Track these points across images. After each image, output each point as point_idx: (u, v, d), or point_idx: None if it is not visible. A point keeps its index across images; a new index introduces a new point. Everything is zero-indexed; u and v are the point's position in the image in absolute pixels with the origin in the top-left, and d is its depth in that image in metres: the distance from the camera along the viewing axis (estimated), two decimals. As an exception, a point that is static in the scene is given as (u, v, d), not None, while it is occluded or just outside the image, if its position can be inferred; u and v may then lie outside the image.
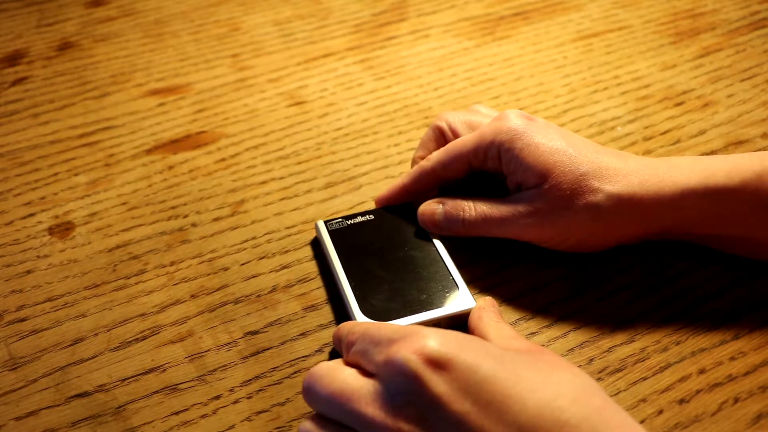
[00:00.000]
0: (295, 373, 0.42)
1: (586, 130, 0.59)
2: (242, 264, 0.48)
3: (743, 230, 0.44)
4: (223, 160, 0.57)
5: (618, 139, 0.58)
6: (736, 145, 0.57)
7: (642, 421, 0.39)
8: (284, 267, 0.48)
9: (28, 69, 0.68)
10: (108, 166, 0.57)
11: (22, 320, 0.45)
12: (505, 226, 0.45)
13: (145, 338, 0.44)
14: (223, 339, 0.44)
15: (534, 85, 0.64)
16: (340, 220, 0.49)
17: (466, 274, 0.47)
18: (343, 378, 0.35)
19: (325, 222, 0.49)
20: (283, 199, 0.53)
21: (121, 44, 0.71)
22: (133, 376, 0.42)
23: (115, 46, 0.71)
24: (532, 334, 0.44)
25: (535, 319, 0.44)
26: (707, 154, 0.56)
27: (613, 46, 0.69)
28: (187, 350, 0.43)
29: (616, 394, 0.40)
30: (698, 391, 0.40)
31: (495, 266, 0.48)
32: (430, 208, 0.48)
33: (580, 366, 0.41)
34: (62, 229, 0.52)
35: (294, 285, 0.47)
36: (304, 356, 0.43)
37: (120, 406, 0.40)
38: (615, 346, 0.43)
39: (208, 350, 0.43)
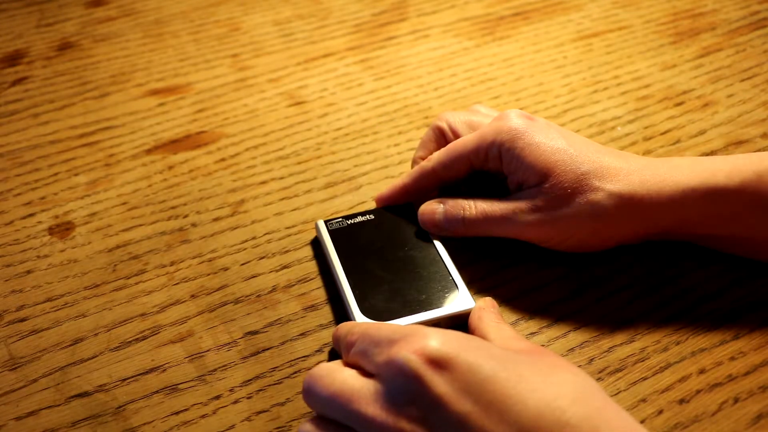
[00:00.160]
0: (295, 373, 0.42)
1: (586, 130, 0.59)
2: (242, 264, 0.48)
3: (743, 230, 0.44)
4: (223, 160, 0.57)
5: (618, 139, 0.58)
6: (736, 145, 0.57)
7: (642, 421, 0.39)
8: (284, 267, 0.48)
9: (28, 69, 0.68)
10: (108, 166, 0.57)
11: (22, 320, 0.45)
12: (505, 225, 0.45)
13: (145, 338, 0.44)
14: (223, 339, 0.44)
15: (534, 85, 0.64)
16: (340, 219, 0.49)
17: (465, 274, 0.47)
18: (343, 378, 0.35)
19: (325, 222, 0.49)
20: (283, 199, 0.53)
21: (121, 44, 0.71)
22: (133, 376, 0.42)
23: (115, 46, 0.71)
24: (532, 334, 0.44)
25: (535, 319, 0.44)
26: (707, 154, 0.56)
27: (613, 46, 0.69)
28: (187, 350, 0.43)
29: (616, 394, 0.40)
30: (698, 391, 0.40)
31: (495, 266, 0.48)
32: (430, 207, 0.48)
33: (580, 366, 0.41)
34: (62, 229, 0.52)
35: (294, 285, 0.47)
36: (304, 356, 0.43)
37: (120, 406, 0.40)
38: (615, 346, 0.43)
39: (208, 350, 0.43)
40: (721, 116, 0.60)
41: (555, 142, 0.44)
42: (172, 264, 0.49)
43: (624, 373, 0.41)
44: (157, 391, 0.41)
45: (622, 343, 0.43)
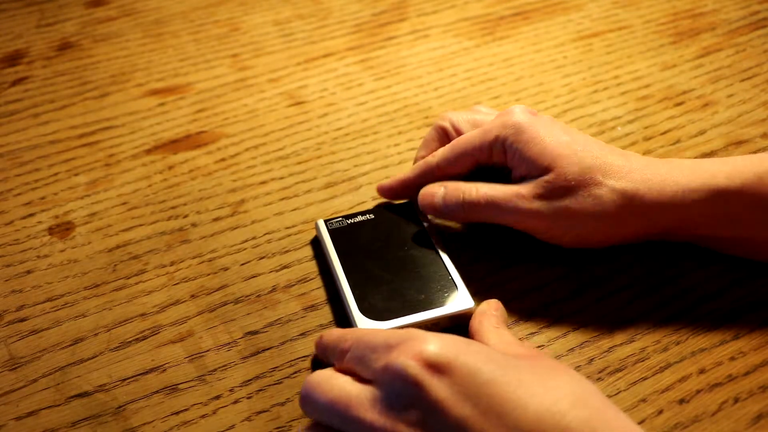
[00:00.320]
0: (295, 373, 0.42)
1: (586, 130, 0.59)
2: (242, 264, 0.48)
3: (743, 231, 0.44)
4: (223, 160, 0.57)
5: (618, 139, 0.58)
6: (736, 145, 0.57)
7: (642, 421, 0.39)
8: (284, 267, 0.48)
9: (28, 69, 0.68)
10: (108, 166, 0.57)
11: (22, 320, 0.45)
12: (505, 211, 0.45)
13: (145, 338, 0.44)
14: (223, 339, 0.44)
15: (534, 85, 0.64)
16: (340, 219, 0.49)
17: (465, 274, 0.47)
18: (340, 385, 0.35)
19: (325, 221, 0.49)
20: (283, 199, 0.53)
21: (121, 44, 0.71)
22: (133, 376, 0.42)
23: (115, 46, 0.71)
24: (531, 334, 0.44)
25: (535, 319, 0.44)
26: (707, 154, 0.56)
27: (613, 46, 0.69)
28: (187, 350, 0.43)
29: (616, 394, 0.40)
30: (698, 391, 0.40)
31: (495, 266, 0.48)
32: (430, 191, 0.47)
33: (580, 366, 0.41)
34: (62, 229, 0.52)
35: (294, 285, 0.47)
36: (304, 356, 0.43)
37: (120, 406, 0.40)
38: (615, 346, 0.43)
39: (208, 350, 0.43)
40: (721, 116, 0.60)
41: (559, 136, 0.44)
42: (172, 264, 0.49)
43: (624, 373, 0.41)
44: (157, 391, 0.41)
45: (622, 343, 0.43)
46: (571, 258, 0.47)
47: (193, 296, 0.46)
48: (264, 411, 0.40)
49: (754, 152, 0.56)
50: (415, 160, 0.51)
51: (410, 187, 0.49)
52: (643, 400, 0.40)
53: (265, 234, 0.51)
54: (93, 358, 0.43)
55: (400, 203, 0.50)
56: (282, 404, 0.40)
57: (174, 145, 0.59)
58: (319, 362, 0.42)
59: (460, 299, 0.43)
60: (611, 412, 0.32)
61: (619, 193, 0.43)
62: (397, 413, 0.33)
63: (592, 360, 0.42)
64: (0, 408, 0.40)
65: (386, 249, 0.47)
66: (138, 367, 0.42)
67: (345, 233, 0.48)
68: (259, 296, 0.46)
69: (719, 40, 0.69)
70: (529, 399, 0.31)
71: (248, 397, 0.41)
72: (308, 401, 0.36)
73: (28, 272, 0.48)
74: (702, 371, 0.41)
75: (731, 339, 0.43)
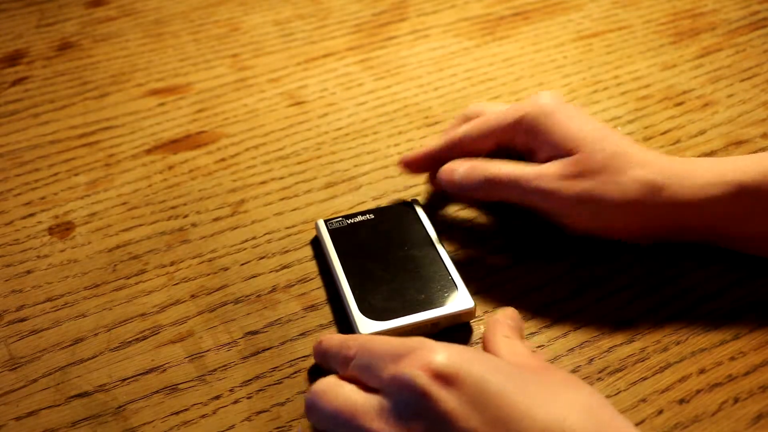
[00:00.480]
0: (295, 373, 0.42)
1: (586, 130, 0.59)
2: (242, 264, 0.48)
3: (763, 229, 0.44)
4: (223, 160, 0.57)
5: (618, 139, 0.58)
6: (736, 145, 0.57)
7: (642, 421, 0.39)
8: (284, 267, 0.48)
9: (28, 69, 0.68)
10: (108, 166, 0.57)
11: (22, 320, 0.45)
12: (528, 190, 0.44)
13: (145, 338, 0.44)
14: (223, 339, 0.44)
15: (534, 85, 0.64)
16: (340, 219, 0.49)
17: (465, 274, 0.47)
18: (346, 394, 0.35)
19: (325, 221, 0.49)
20: (283, 199, 0.53)
21: (121, 44, 0.71)
22: (133, 376, 0.42)
23: (115, 46, 0.71)
24: (532, 334, 0.44)
25: (535, 319, 0.44)
26: (707, 154, 0.56)
27: (613, 46, 0.69)
28: (187, 350, 0.43)
29: (616, 394, 0.40)
30: (698, 391, 0.40)
31: (495, 266, 0.48)
32: (452, 166, 0.47)
33: (580, 366, 0.41)
34: (62, 229, 0.52)
35: (294, 285, 0.47)
36: (304, 356, 0.43)
37: (120, 406, 0.40)
38: (615, 346, 0.43)
39: (208, 350, 0.43)
40: (721, 116, 0.60)
41: (587, 122, 0.45)
42: (172, 264, 0.49)
43: (624, 373, 0.41)
44: (157, 391, 0.41)
45: (622, 343, 0.43)
46: (570, 258, 0.47)
47: (193, 296, 0.46)
48: (264, 411, 0.40)
49: (754, 152, 0.56)
50: (407, 162, 0.51)
51: (434, 158, 0.49)
52: (643, 400, 0.40)
53: (265, 234, 0.51)
54: (93, 358, 0.43)
55: (400, 203, 0.50)
56: (282, 404, 0.40)
57: (174, 145, 0.59)
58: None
59: (460, 299, 0.43)
60: (621, 426, 0.32)
61: (642, 183, 0.43)
62: (404, 423, 0.32)
63: (592, 360, 0.42)
64: (0, 408, 0.40)
65: (386, 249, 0.47)
66: (138, 367, 0.42)
67: (345, 233, 0.48)
68: (259, 296, 0.46)
69: (719, 40, 0.69)
70: (537, 410, 0.31)
71: (248, 397, 0.41)
72: (313, 410, 0.35)
73: (28, 272, 0.48)
74: (702, 371, 0.41)
75: (731, 339, 0.43)
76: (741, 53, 0.67)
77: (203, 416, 0.40)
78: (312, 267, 0.48)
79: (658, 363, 0.41)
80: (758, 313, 0.44)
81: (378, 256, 0.46)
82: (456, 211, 0.52)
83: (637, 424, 0.38)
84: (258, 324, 0.45)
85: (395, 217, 0.49)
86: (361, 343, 0.36)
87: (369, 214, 0.49)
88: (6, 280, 0.48)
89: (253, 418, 0.40)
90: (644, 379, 0.41)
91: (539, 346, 0.43)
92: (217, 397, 0.41)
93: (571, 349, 0.43)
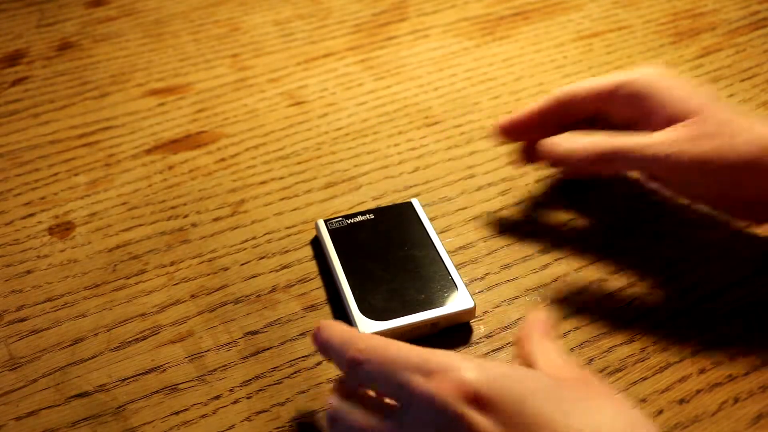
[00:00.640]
0: (295, 373, 0.42)
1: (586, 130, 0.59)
2: (242, 264, 0.48)
3: None
4: (223, 160, 0.57)
5: (618, 139, 0.58)
6: (736, 145, 0.57)
7: (642, 421, 0.39)
8: (284, 267, 0.48)
9: (28, 69, 0.68)
10: (108, 166, 0.57)
11: (22, 320, 0.45)
12: (642, 159, 0.43)
13: (145, 338, 0.44)
14: (223, 339, 0.44)
15: (534, 85, 0.64)
16: (340, 219, 0.49)
17: (465, 274, 0.47)
18: (359, 422, 0.33)
19: (326, 221, 0.49)
20: (283, 199, 0.53)
21: (121, 44, 0.71)
22: (133, 376, 0.42)
23: (115, 46, 0.71)
24: (532, 334, 0.44)
25: (535, 319, 0.44)
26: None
27: (613, 46, 0.69)
28: (187, 350, 0.43)
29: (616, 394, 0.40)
30: (698, 391, 0.40)
31: (495, 266, 0.48)
32: (553, 140, 0.45)
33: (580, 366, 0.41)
34: (62, 229, 0.52)
35: (294, 285, 0.47)
36: (304, 356, 0.43)
37: (120, 406, 0.40)
38: (615, 346, 0.43)
39: (208, 350, 0.43)
40: (721, 116, 0.60)
41: (696, 87, 0.44)
42: (172, 264, 0.49)
43: (624, 373, 0.41)
44: (157, 391, 0.41)
45: (622, 343, 0.43)
46: (570, 258, 0.47)
47: (193, 296, 0.46)
48: (264, 411, 0.40)
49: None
50: (504, 126, 0.49)
51: (532, 123, 0.47)
52: (643, 400, 0.40)
53: (265, 234, 0.51)
54: (93, 358, 0.43)
55: (400, 203, 0.50)
56: (282, 404, 0.40)
57: (174, 145, 0.59)
58: (319, 360, 0.42)
59: (460, 299, 0.43)
60: None
61: (761, 143, 0.41)
62: None
63: (592, 360, 0.42)
64: (0, 408, 0.40)
65: (386, 249, 0.47)
66: (138, 367, 0.42)
67: (345, 233, 0.48)
68: (259, 296, 0.46)
69: (719, 40, 0.69)
70: None
71: (248, 397, 0.41)
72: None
73: (28, 272, 0.48)
74: (702, 371, 0.41)
75: (731, 339, 0.43)
76: (741, 53, 0.67)
77: (203, 416, 0.40)
78: (312, 267, 0.48)
79: (658, 363, 0.41)
80: (758, 313, 0.44)
81: (378, 256, 0.46)
82: (456, 211, 0.52)
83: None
84: (258, 324, 0.45)
85: (395, 217, 0.49)
86: (372, 347, 0.34)
87: (369, 214, 0.49)
88: (6, 280, 0.48)
89: (253, 418, 0.40)
90: (644, 379, 0.41)
91: (539, 346, 0.43)
92: (217, 397, 0.41)
93: (571, 349, 0.43)
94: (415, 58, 0.68)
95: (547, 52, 0.69)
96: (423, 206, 0.50)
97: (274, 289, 0.47)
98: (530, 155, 0.49)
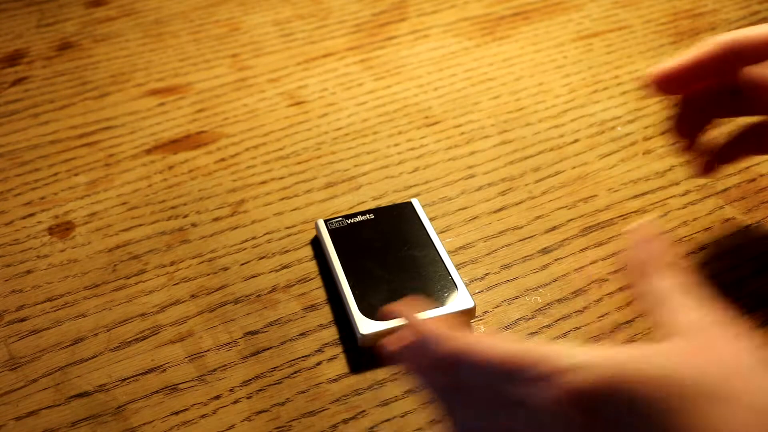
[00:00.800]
0: (295, 373, 0.42)
1: (586, 130, 0.59)
2: (242, 264, 0.48)
3: None
4: (223, 160, 0.57)
5: (618, 139, 0.58)
6: (736, 145, 0.57)
7: (642, 421, 0.39)
8: (284, 267, 0.48)
9: (28, 69, 0.68)
10: (108, 166, 0.57)
11: (22, 320, 0.45)
12: None
13: (145, 338, 0.44)
14: (223, 339, 0.44)
15: (534, 85, 0.64)
16: (340, 219, 0.49)
17: (465, 274, 0.47)
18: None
19: (326, 221, 0.49)
20: (283, 199, 0.53)
21: (121, 44, 0.71)
22: (133, 376, 0.42)
23: (115, 46, 0.71)
24: (532, 334, 0.43)
25: (535, 319, 0.44)
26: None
27: (613, 46, 0.69)
28: (187, 350, 0.43)
29: (616, 394, 0.40)
30: (698, 391, 0.40)
31: (495, 266, 0.48)
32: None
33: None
34: (62, 229, 0.52)
35: (294, 285, 0.47)
36: (304, 356, 0.43)
37: (120, 406, 0.40)
38: (615, 345, 0.42)
39: (208, 350, 0.43)
40: (721, 116, 0.60)
41: None
42: (172, 264, 0.49)
43: (624, 373, 0.41)
44: (157, 391, 0.41)
45: (622, 343, 0.43)
46: (570, 257, 0.47)
47: (193, 296, 0.46)
48: (264, 411, 0.40)
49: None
50: (660, 77, 0.42)
51: (692, 69, 0.41)
52: (643, 400, 0.40)
53: (265, 234, 0.51)
54: (93, 358, 0.43)
55: (400, 203, 0.50)
56: (282, 404, 0.40)
57: (174, 145, 0.59)
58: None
59: (460, 299, 0.43)
60: None
61: None
62: None
63: (592, 360, 0.42)
64: (0, 408, 0.40)
65: (386, 249, 0.47)
66: (138, 367, 0.42)
67: (345, 233, 0.48)
68: (259, 296, 0.46)
69: (719, 40, 0.69)
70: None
71: (248, 397, 0.41)
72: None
73: (28, 272, 0.48)
74: (702, 371, 0.41)
75: (731, 339, 0.42)
76: (741, 53, 0.67)
77: (203, 416, 0.40)
78: (312, 267, 0.48)
79: (658, 363, 0.41)
80: (758, 313, 0.44)
81: (378, 256, 0.46)
82: (456, 211, 0.52)
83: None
84: (258, 324, 0.45)
85: (395, 217, 0.49)
86: (463, 347, 0.29)
87: (369, 214, 0.49)
88: (6, 280, 0.48)
89: (253, 418, 0.40)
90: (644, 379, 0.41)
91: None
92: (217, 397, 0.41)
93: (571, 349, 0.42)
94: (415, 58, 0.68)
95: (547, 52, 0.69)
96: (423, 206, 0.50)
97: (274, 289, 0.47)
98: (709, 165, 0.43)
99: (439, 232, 0.50)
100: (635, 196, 0.52)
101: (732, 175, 0.54)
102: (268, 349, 0.43)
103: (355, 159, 0.57)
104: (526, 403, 0.26)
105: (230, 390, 0.41)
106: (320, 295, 0.46)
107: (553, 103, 0.62)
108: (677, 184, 0.53)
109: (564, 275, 0.47)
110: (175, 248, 0.50)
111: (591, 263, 0.47)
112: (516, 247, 0.49)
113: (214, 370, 0.42)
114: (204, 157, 0.57)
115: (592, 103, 0.62)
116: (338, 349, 0.43)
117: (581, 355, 0.26)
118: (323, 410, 0.40)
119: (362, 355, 0.42)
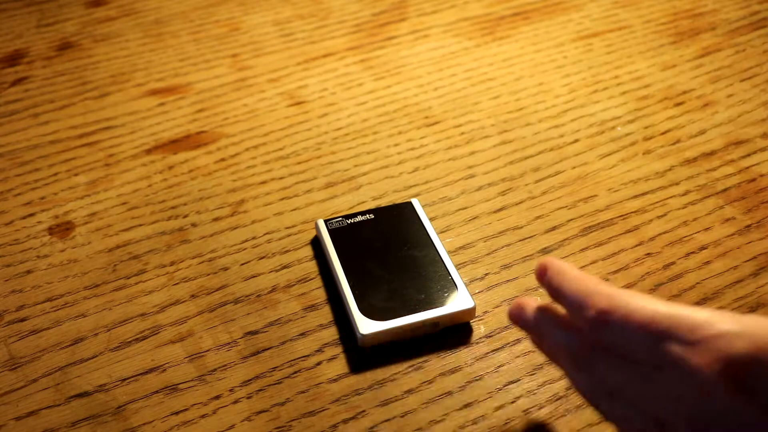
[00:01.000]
0: (295, 373, 0.42)
1: (586, 130, 0.59)
2: (242, 264, 0.48)
3: None
4: (223, 160, 0.57)
5: (618, 139, 0.58)
6: (736, 144, 0.57)
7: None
8: (284, 267, 0.48)
9: (28, 69, 0.68)
10: (108, 166, 0.57)
11: (22, 320, 0.45)
12: None
13: (145, 338, 0.44)
14: (223, 339, 0.44)
15: (534, 85, 0.64)
16: (340, 219, 0.49)
17: (465, 274, 0.47)
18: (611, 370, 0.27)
19: (326, 221, 0.49)
20: (283, 199, 0.53)
21: (121, 44, 0.71)
22: (133, 376, 0.42)
23: (115, 46, 0.71)
24: (532, 334, 0.43)
25: (535, 319, 0.44)
26: (707, 154, 0.56)
27: (613, 46, 0.69)
28: (187, 350, 0.43)
29: (616, 394, 0.40)
30: (698, 391, 0.40)
31: (495, 266, 0.48)
32: None
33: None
34: (62, 229, 0.52)
35: (294, 285, 0.47)
36: (304, 356, 0.43)
37: (120, 406, 0.40)
38: None
39: (208, 350, 0.43)
40: (721, 116, 0.60)
41: None
42: (172, 264, 0.49)
43: (624, 373, 0.41)
44: (157, 391, 0.41)
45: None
46: (570, 257, 0.47)
47: (193, 296, 0.46)
48: (264, 411, 0.40)
49: (755, 152, 0.56)
50: None
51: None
52: (643, 400, 0.40)
53: (265, 234, 0.51)
54: (93, 358, 0.43)
55: (400, 203, 0.50)
56: (282, 404, 0.40)
57: (174, 145, 0.59)
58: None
59: (460, 299, 0.43)
60: None
61: None
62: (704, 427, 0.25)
63: (592, 360, 0.42)
64: (0, 408, 0.40)
65: (386, 249, 0.47)
66: (138, 367, 0.42)
67: (345, 233, 0.48)
68: (259, 296, 0.46)
69: (719, 40, 0.69)
70: None
71: (248, 397, 0.41)
72: None
73: (28, 272, 0.48)
74: (702, 371, 0.41)
75: (731, 339, 0.42)
76: (741, 53, 0.67)
77: (203, 416, 0.40)
78: (312, 267, 0.48)
79: (658, 363, 0.41)
80: (758, 313, 0.44)
81: (378, 256, 0.46)
82: (456, 211, 0.52)
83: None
84: (258, 324, 0.45)
85: (395, 217, 0.49)
86: (617, 305, 0.28)
87: (369, 214, 0.49)
88: (6, 280, 0.48)
89: (253, 418, 0.40)
90: (644, 379, 0.41)
91: (539, 346, 0.43)
92: (217, 397, 0.41)
93: (571, 349, 0.42)
94: (415, 58, 0.68)
95: (547, 52, 0.69)
96: (423, 206, 0.50)
97: (274, 289, 0.47)
98: None
99: (439, 232, 0.50)
100: (635, 196, 0.52)
101: (732, 175, 0.54)
102: (268, 349, 0.43)
103: (355, 159, 0.57)
104: (675, 366, 0.26)
105: (230, 390, 0.41)
106: (320, 295, 0.46)
107: (553, 103, 0.62)
108: (677, 184, 0.53)
109: (564, 275, 0.47)
110: (175, 248, 0.50)
111: (591, 263, 0.47)
112: (516, 247, 0.49)
113: (214, 370, 0.42)
114: (204, 157, 0.57)
115: (592, 103, 0.62)
116: (338, 349, 0.43)
117: (737, 323, 0.26)
118: (323, 410, 0.40)
119: (362, 355, 0.42)
